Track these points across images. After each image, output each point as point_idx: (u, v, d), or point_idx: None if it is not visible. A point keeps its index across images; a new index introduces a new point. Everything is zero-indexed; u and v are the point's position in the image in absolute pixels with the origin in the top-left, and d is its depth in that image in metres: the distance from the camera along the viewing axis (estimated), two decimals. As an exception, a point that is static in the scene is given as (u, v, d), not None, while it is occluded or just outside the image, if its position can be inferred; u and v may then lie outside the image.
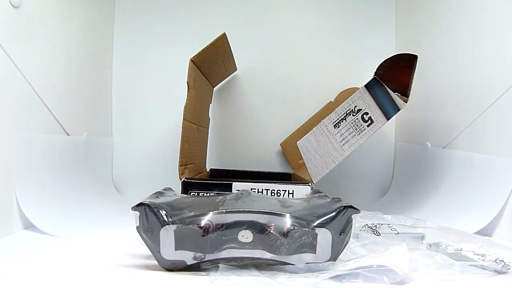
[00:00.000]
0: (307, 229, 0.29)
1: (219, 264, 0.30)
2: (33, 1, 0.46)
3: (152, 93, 0.72)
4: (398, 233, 0.38)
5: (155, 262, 0.31)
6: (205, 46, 0.50)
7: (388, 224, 0.39)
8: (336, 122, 0.51)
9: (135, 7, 0.72)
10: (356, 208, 0.30)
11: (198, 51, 0.49)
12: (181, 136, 0.47)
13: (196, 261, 0.30)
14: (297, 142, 0.49)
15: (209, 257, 0.30)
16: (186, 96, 0.48)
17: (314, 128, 0.49)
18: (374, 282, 0.28)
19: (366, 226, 0.39)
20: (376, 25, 0.74)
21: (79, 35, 0.59)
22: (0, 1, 0.41)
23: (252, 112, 0.73)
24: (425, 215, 0.49)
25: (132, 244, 0.39)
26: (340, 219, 0.30)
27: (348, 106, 0.50)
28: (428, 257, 0.31)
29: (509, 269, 0.31)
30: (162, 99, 0.71)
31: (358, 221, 0.40)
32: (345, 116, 0.50)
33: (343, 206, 0.30)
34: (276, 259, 0.30)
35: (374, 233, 0.38)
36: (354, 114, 0.50)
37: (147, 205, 0.30)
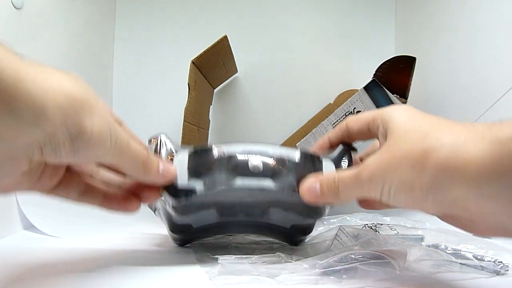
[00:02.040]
0: (314, 155, 0.32)
1: (219, 260, 0.30)
2: (35, 3, 0.46)
3: (153, 94, 0.72)
4: (398, 233, 0.38)
5: (156, 263, 0.31)
6: (206, 48, 0.50)
7: (388, 225, 0.39)
8: (335, 123, 0.51)
9: (136, 8, 0.72)
10: (355, 149, 0.33)
11: (199, 52, 0.50)
12: (181, 138, 0.47)
13: (206, 191, 0.30)
14: (296, 144, 0.49)
15: (219, 186, 0.30)
16: (186, 98, 0.48)
17: (313, 130, 0.49)
18: (373, 277, 0.28)
19: (366, 226, 0.39)
20: (376, 28, 0.74)
21: (80, 37, 0.59)
22: (2, 2, 0.41)
23: (252, 113, 0.73)
24: (425, 216, 0.49)
25: (132, 244, 0.40)
26: (341, 154, 0.33)
27: (347, 108, 0.50)
28: (427, 257, 0.31)
29: (507, 270, 0.31)
30: (162, 101, 0.71)
31: (357, 221, 0.40)
32: (344, 118, 0.51)
33: (344, 145, 0.33)
34: (284, 192, 0.30)
35: (374, 232, 0.38)
36: (353, 115, 0.51)
37: (163, 133, 0.33)
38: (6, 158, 0.22)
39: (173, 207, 0.30)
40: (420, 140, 0.25)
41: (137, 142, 0.29)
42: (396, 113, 0.28)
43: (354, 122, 0.32)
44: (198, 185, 0.30)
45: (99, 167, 0.31)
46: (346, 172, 0.28)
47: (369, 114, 0.31)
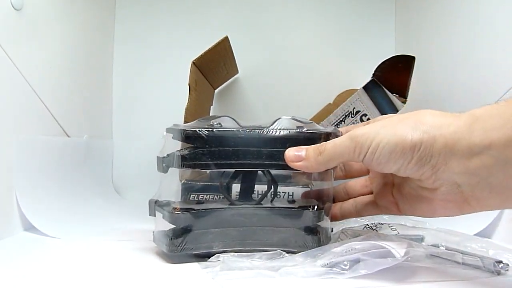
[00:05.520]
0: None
1: (219, 258, 0.30)
2: (34, 3, 0.46)
3: (153, 95, 0.72)
4: (398, 233, 0.38)
5: (156, 264, 0.31)
6: (207, 48, 0.50)
7: (389, 224, 0.39)
8: (335, 124, 0.51)
9: (136, 9, 0.72)
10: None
11: (200, 53, 0.50)
12: (182, 138, 0.47)
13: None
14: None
15: None
16: (187, 98, 0.48)
17: (313, 130, 0.49)
18: (375, 268, 0.28)
19: (367, 226, 0.39)
20: (375, 27, 0.74)
21: (80, 38, 0.59)
22: (1, 4, 0.41)
23: (252, 114, 0.73)
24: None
25: (132, 245, 0.40)
26: None
27: (346, 108, 0.50)
28: (428, 258, 0.31)
29: (507, 270, 0.31)
30: (163, 101, 0.71)
31: (358, 221, 0.40)
32: (343, 118, 0.51)
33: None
34: None
35: (374, 234, 0.38)
36: (352, 115, 0.51)
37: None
38: None
39: None
40: (410, 114, 0.29)
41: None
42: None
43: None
44: None
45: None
46: (334, 139, 0.31)
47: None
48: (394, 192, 0.34)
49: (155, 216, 0.36)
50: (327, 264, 0.29)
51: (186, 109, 0.48)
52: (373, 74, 0.50)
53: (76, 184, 0.55)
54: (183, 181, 0.46)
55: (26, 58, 0.44)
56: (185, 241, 0.32)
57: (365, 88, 0.50)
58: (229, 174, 0.36)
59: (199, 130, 0.33)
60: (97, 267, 0.33)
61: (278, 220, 0.34)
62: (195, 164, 0.33)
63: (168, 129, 0.36)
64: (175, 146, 0.35)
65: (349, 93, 0.63)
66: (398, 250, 0.28)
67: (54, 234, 0.42)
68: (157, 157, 0.35)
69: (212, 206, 0.34)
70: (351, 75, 0.72)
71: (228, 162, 0.33)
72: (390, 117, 0.31)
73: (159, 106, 0.71)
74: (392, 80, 0.50)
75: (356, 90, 0.51)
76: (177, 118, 0.50)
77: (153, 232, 0.36)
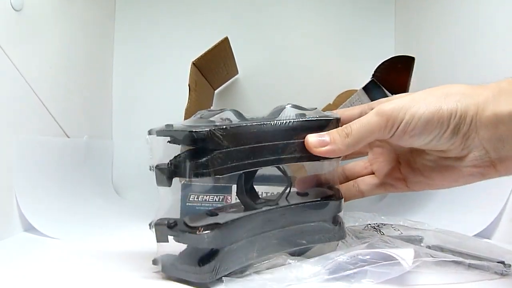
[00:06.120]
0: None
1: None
2: (34, 4, 0.46)
3: (153, 95, 0.72)
4: (402, 233, 0.37)
5: (157, 265, 0.31)
6: (207, 49, 0.50)
7: (391, 225, 0.39)
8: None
9: (136, 9, 0.72)
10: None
11: (200, 54, 0.50)
12: (182, 139, 0.47)
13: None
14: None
15: None
16: (187, 99, 0.48)
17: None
18: (383, 277, 0.28)
19: (369, 225, 0.39)
20: (375, 27, 0.74)
21: (80, 38, 0.59)
22: (1, 4, 0.41)
23: (252, 114, 0.73)
24: (424, 217, 0.49)
25: (133, 246, 0.40)
26: None
27: (347, 109, 0.50)
28: (433, 258, 0.31)
29: (510, 271, 0.31)
30: (163, 102, 0.71)
31: (360, 221, 0.40)
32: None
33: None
34: None
35: (377, 232, 0.38)
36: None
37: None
38: None
39: None
40: (437, 88, 0.30)
41: None
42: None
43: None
44: None
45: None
46: (359, 119, 0.30)
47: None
48: (402, 169, 0.34)
49: (167, 241, 0.29)
50: (335, 277, 0.28)
51: (186, 109, 0.48)
52: (373, 75, 0.50)
53: (76, 185, 0.55)
54: (182, 182, 0.46)
55: (26, 58, 0.44)
56: (218, 263, 0.27)
57: (365, 88, 0.50)
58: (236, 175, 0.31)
59: (213, 130, 0.28)
60: (96, 268, 0.33)
61: (306, 216, 0.32)
62: (215, 170, 0.28)
63: (160, 131, 0.29)
64: (165, 151, 0.30)
65: (348, 93, 0.63)
66: (407, 260, 0.28)
67: (54, 234, 0.42)
68: (157, 168, 0.29)
69: (232, 216, 0.30)
70: (351, 75, 0.72)
71: (249, 161, 0.29)
72: (412, 93, 0.30)
73: (159, 106, 0.71)
74: (391, 80, 0.50)
75: (356, 90, 0.51)
76: (177, 118, 0.50)
77: (156, 258, 0.30)
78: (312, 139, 0.30)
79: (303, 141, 0.31)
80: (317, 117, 0.32)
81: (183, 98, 0.48)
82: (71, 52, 0.56)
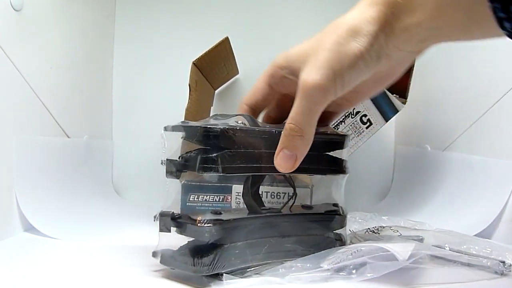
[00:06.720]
0: None
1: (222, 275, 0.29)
2: (34, 4, 0.46)
3: (153, 95, 0.72)
4: (401, 235, 0.38)
5: (157, 266, 0.31)
6: (207, 49, 0.50)
7: (390, 227, 0.39)
8: (335, 124, 0.51)
9: (136, 9, 0.72)
10: None
11: (200, 54, 0.50)
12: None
13: None
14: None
15: None
16: (187, 99, 0.48)
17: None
18: (382, 271, 0.28)
19: (368, 230, 0.39)
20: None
21: (80, 38, 0.59)
22: (1, 4, 0.41)
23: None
24: (424, 217, 0.50)
25: (133, 246, 0.40)
26: None
27: (347, 109, 0.50)
28: (434, 260, 0.31)
29: (510, 271, 0.31)
30: (163, 102, 0.71)
31: (359, 222, 0.40)
32: (343, 119, 0.51)
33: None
34: None
35: (377, 236, 0.38)
36: (352, 116, 0.51)
37: None
38: None
39: None
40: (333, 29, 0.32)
41: None
42: None
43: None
44: None
45: None
46: (293, 108, 0.29)
47: None
48: (338, 100, 0.33)
49: (170, 231, 0.30)
50: (334, 268, 0.28)
51: (186, 109, 0.48)
52: (373, 75, 0.50)
53: (76, 185, 0.55)
54: (183, 182, 0.46)
55: (26, 58, 0.44)
56: (216, 258, 0.28)
57: (365, 88, 0.50)
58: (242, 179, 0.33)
59: (226, 129, 0.29)
60: (97, 268, 0.33)
61: (309, 228, 0.32)
62: (224, 167, 0.29)
63: (176, 126, 0.32)
64: (178, 147, 0.32)
65: (349, 93, 0.63)
66: (402, 254, 0.28)
67: (54, 234, 0.42)
68: (168, 160, 0.30)
69: (235, 215, 0.31)
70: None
71: (257, 165, 0.31)
72: (312, 42, 0.33)
73: (159, 106, 0.71)
74: (392, 80, 0.50)
75: (356, 90, 0.51)
76: (177, 118, 0.50)
77: (156, 251, 0.31)
78: (280, 162, 0.30)
79: (312, 154, 0.30)
80: (331, 132, 0.33)
81: (183, 98, 0.48)
82: (71, 52, 0.56)
